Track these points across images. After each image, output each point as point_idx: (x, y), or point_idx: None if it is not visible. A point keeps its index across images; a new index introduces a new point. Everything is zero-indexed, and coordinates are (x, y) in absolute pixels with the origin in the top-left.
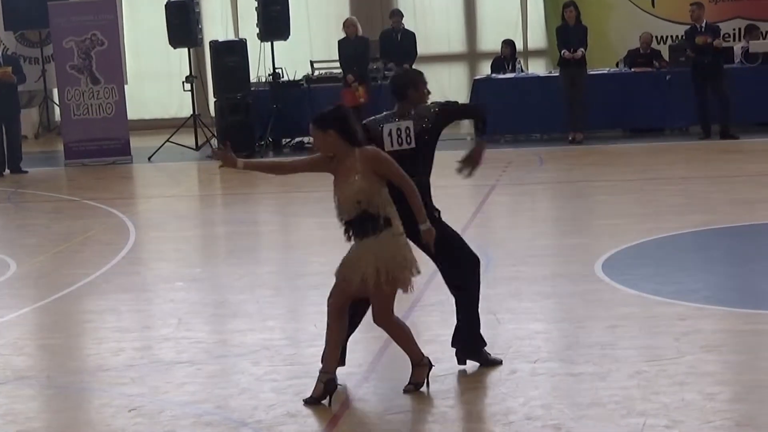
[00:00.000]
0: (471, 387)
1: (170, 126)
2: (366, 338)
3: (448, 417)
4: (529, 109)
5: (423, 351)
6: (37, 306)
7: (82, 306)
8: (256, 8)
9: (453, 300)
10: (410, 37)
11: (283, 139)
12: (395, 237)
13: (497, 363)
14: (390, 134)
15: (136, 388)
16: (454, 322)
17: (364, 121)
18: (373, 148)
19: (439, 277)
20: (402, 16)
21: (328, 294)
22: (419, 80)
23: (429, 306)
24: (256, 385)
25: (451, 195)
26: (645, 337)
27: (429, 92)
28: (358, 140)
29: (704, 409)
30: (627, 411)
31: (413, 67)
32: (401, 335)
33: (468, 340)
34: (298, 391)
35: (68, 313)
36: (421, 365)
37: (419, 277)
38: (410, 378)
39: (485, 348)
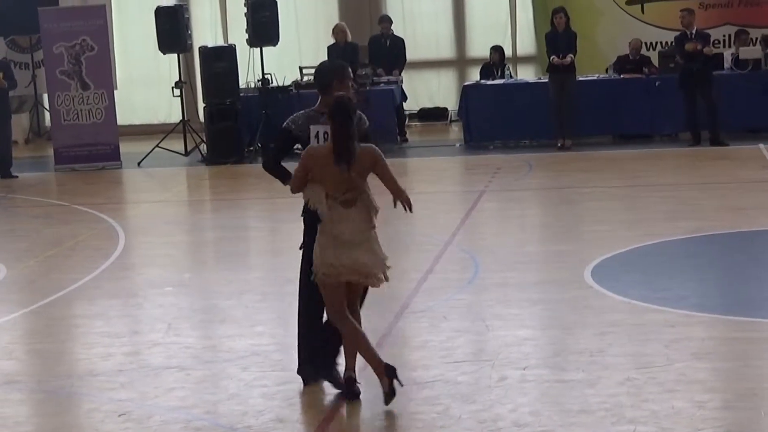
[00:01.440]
0: (460, 393)
1: (159, 131)
2: None
3: (436, 423)
4: (518, 115)
5: (411, 356)
6: (27, 311)
7: (72, 311)
8: (245, 14)
9: (440, 307)
10: (399, 43)
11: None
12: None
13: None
14: (317, 136)
15: (125, 393)
16: (444, 328)
17: (286, 121)
18: (372, 147)
19: (427, 283)
20: (391, 21)
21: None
22: (345, 74)
23: (418, 312)
24: (245, 391)
25: (440, 201)
26: (634, 344)
27: (354, 87)
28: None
29: (694, 417)
30: (616, 418)
31: (402, 73)
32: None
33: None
34: (287, 397)
35: (58, 317)
36: (378, 373)
37: (408, 284)
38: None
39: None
